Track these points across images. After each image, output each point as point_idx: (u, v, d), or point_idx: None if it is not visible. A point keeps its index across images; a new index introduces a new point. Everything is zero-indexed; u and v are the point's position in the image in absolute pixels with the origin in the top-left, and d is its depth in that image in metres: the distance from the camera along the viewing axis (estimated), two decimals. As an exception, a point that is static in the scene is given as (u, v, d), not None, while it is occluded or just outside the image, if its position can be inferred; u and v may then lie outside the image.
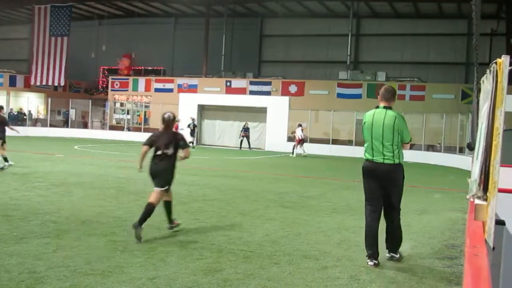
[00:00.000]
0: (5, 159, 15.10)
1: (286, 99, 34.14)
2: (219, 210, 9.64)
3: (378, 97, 6.43)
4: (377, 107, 6.39)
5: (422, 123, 28.83)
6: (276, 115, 33.43)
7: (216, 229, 7.87)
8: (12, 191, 10.70)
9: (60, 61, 40.29)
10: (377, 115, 6.27)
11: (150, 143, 7.46)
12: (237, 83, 37.49)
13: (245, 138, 32.84)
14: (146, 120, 40.68)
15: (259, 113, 34.26)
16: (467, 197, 3.48)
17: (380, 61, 38.02)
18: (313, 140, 31.69)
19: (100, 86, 46.93)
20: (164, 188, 7.34)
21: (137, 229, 6.75)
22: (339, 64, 37.64)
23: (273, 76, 38.81)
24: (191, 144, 24.35)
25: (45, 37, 40.65)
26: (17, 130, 16.87)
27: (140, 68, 44.69)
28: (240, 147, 32.65)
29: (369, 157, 6.25)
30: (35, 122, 42.68)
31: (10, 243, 6.34)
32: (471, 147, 5.73)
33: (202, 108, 36.93)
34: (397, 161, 6.16)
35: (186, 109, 36.33)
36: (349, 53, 37.55)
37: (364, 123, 6.37)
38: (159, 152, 7.37)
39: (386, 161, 6.14)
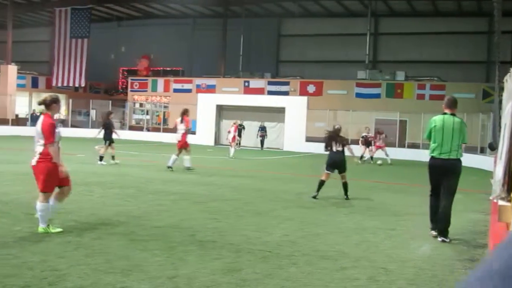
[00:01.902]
0: (101, 158, 17.50)
1: (304, 99, 34.07)
2: (237, 210, 9.66)
3: (443, 105, 7.87)
4: (444, 113, 7.76)
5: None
6: (294, 115, 33.38)
7: (234, 229, 7.89)
8: (35, 190, 10.82)
9: (81, 62, 40.70)
10: (447, 120, 7.66)
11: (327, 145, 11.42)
12: (255, 83, 37.51)
13: (262, 138, 32.96)
14: (165, 121, 40.90)
15: (277, 113, 34.24)
16: (490, 198, 3.45)
17: (399, 60, 37.72)
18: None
19: (119, 87, 47.31)
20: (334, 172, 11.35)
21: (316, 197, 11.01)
22: (358, 63, 37.44)
23: (291, 76, 38.76)
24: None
25: (65, 39, 41.10)
26: (119, 134, 19.35)
27: (159, 68, 44.94)
28: (262, 147, 32.76)
29: (438, 154, 7.62)
30: (57, 122, 43.12)
31: (33, 241, 6.44)
32: (492, 147, 5.90)
33: (220, 109, 37.02)
34: (459, 156, 7.66)
35: (204, 109, 36.49)
36: (367, 53, 37.33)
37: (434, 126, 7.70)
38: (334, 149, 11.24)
39: (452, 157, 7.56)
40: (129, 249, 6.30)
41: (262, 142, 33.04)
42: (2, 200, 9.28)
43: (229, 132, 24.65)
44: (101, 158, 17.62)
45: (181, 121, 16.78)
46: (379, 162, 23.15)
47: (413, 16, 38.00)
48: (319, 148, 29.77)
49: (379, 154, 23.78)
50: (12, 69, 38.82)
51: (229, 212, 9.44)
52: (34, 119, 40.58)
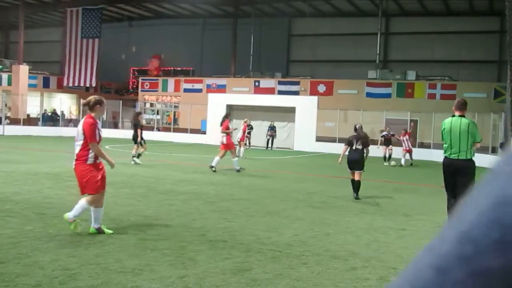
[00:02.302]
0: (138, 156, 18.12)
1: (314, 98, 34.00)
2: (247, 210, 9.67)
3: (453, 107, 8.07)
4: (453, 116, 7.97)
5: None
6: (305, 115, 33.34)
7: (244, 228, 7.90)
8: (46, 190, 10.93)
9: (92, 62, 40.92)
10: (454, 122, 7.87)
11: (348, 143, 11.73)
12: (265, 83, 37.52)
13: (271, 137, 32.92)
14: (175, 120, 41.02)
15: (288, 113, 34.20)
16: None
17: (410, 60, 37.58)
18: (342, 140, 31.46)
19: (130, 87, 47.51)
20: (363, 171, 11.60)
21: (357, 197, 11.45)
22: (368, 63, 37.34)
23: (302, 75, 38.73)
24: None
25: (77, 39, 41.35)
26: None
27: (169, 68, 45.08)
28: (267, 147, 32.70)
29: (449, 155, 7.88)
30: (68, 122, 43.44)
31: (44, 241, 6.48)
32: (504, 147, 5.85)
33: (230, 108, 37.01)
34: (469, 157, 7.81)
35: (214, 109, 36.52)
36: (378, 52, 37.22)
37: (444, 129, 7.97)
38: (354, 147, 11.59)
39: (461, 157, 7.77)
40: (139, 248, 6.32)
41: (269, 142, 33.00)
42: (13, 200, 9.34)
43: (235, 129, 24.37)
44: (138, 156, 18.28)
45: (221, 124, 17.13)
46: (393, 163, 22.94)
47: (425, 16, 37.84)
48: (329, 147, 29.85)
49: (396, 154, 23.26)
50: (23, 69, 39.10)
51: (239, 211, 9.44)
52: (45, 119, 40.95)
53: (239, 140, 23.99)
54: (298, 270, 5.73)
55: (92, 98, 7.37)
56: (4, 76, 41.66)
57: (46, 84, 44.06)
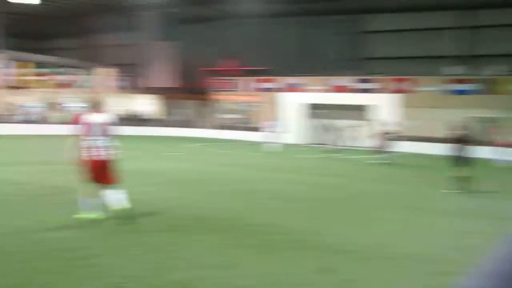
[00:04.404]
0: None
1: (395, 96, 33.24)
2: (335, 210, 9.57)
3: None
4: None
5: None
6: (385, 113, 32.65)
7: (332, 228, 7.81)
8: (135, 187, 11.32)
9: (171, 63, 42.17)
10: None
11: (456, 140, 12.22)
12: (343, 81, 37.12)
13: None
14: (252, 120, 41.39)
15: (367, 111, 33.67)
16: None
17: (497, 54, 35.81)
18: (424, 139, 30.50)
19: (208, 87, 48.37)
20: None
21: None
22: (451, 58, 36.00)
23: (380, 73, 37.95)
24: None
25: (156, 42, 42.82)
26: None
27: (245, 68, 45.51)
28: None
29: None
30: (149, 122, 44.92)
31: (135, 235, 6.71)
32: None
33: (306, 107, 36.95)
34: None
35: (289, 108, 36.59)
36: (462, 47, 35.80)
37: None
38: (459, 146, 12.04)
39: None
40: (224, 245, 6.40)
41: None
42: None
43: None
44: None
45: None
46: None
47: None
48: (418, 147, 28.80)
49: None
50: (108, 72, 40.82)
51: (326, 212, 9.36)
52: (128, 119, 42.50)
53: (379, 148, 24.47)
54: (388, 272, 5.62)
55: (99, 97, 8.20)
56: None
57: (132, 86, 45.81)
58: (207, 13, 45.49)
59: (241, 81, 42.74)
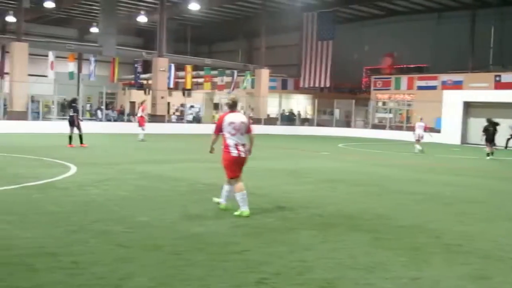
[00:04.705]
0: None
1: None
2: (486, 214, 9.02)
3: None
4: None
5: None
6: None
7: (483, 233, 7.38)
8: (283, 185, 11.64)
9: (326, 63, 42.34)
10: None
11: None
12: (508, 77, 34.43)
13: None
14: (408, 119, 40.09)
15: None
16: None
17: None
18: None
19: (363, 86, 47.81)
20: None
21: None
22: None
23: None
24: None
25: (312, 42, 43.22)
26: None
27: (402, 66, 44.19)
28: (506, 147, 29.95)
29: None
30: (304, 121, 45.61)
31: (282, 232, 6.93)
32: None
33: (467, 106, 34.88)
34: None
35: (450, 106, 34.81)
36: None
37: None
38: None
39: None
40: (372, 246, 6.35)
41: (509, 141, 30.21)
42: (255, 193, 10.11)
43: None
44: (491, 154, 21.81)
45: None
46: None
47: None
48: None
49: None
50: (265, 73, 42.17)
51: (478, 215, 8.86)
52: (283, 118, 43.58)
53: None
54: (548, 284, 5.17)
55: (236, 97, 8.47)
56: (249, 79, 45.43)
57: (284, 86, 46.90)
58: (365, 11, 45.06)
59: (398, 79, 41.63)
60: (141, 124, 25.21)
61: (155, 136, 28.17)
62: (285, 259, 5.64)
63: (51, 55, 32.64)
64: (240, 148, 7.96)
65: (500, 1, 37.75)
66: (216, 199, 8.43)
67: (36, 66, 37.24)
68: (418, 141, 23.88)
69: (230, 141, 7.95)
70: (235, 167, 7.98)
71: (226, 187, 8.17)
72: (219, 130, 8.04)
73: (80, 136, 20.04)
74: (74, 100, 21.44)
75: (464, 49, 38.36)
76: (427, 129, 25.21)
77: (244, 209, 7.80)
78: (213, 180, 10.82)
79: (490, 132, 22.78)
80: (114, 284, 4.61)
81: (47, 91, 34.97)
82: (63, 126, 22.95)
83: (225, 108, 8.48)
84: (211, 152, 8.29)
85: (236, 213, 7.83)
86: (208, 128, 30.65)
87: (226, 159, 7.99)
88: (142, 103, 26.44)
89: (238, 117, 8.08)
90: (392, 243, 6.54)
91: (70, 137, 19.88)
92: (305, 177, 13.31)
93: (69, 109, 21.31)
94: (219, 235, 6.63)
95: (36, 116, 32.77)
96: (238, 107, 8.54)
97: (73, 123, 20.05)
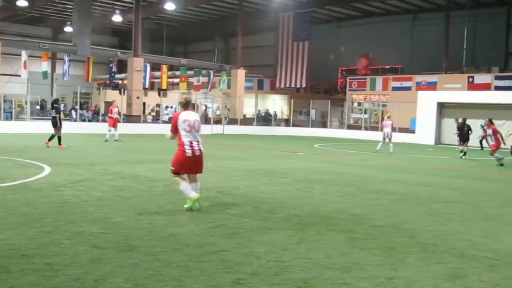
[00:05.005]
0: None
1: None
2: (461, 213, 9.15)
3: None
4: None
5: None
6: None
7: (457, 233, 7.48)
8: (260, 185, 11.65)
9: (302, 64, 42.51)
10: None
11: None
12: (480, 78, 35.05)
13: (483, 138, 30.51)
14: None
15: (507, 110, 31.45)
16: None
17: None
18: None
19: (339, 87, 48.16)
20: None
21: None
22: None
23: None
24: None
25: (288, 42, 43.34)
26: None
27: (377, 67, 44.64)
28: (482, 147, 30.40)
29: None
30: (280, 122, 45.73)
31: (260, 233, 6.92)
32: None
33: (441, 106, 35.37)
34: None
35: (424, 107, 35.26)
36: None
37: None
38: None
39: None
40: (348, 246, 6.39)
41: (482, 142, 30.67)
42: (232, 194, 10.11)
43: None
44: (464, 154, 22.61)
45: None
46: None
47: None
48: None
49: None
50: (241, 73, 42.16)
51: (452, 215, 8.98)
52: (259, 119, 43.60)
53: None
54: (521, 282, 5.26)
55: (189, 97, 8.89)
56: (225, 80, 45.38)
57: (260, 87, 46.96)
58: (341, 12, 45.37)
59: (373, 80, 42.01)
60: (110, 125, 24.94)
61: (131, 136, 27.92)
62: (262, 259, 5.63)
63: (24, 54, 32.16)
64: (195, 145, 8.11)
65: (473, 3, 38.38)
66: (186, 205, 8.28)
67: (9, 65, 36.67)
68: (384, 139, 23.56)
69: (185, 139, 8.09)
70: (186, 165, 8.15)
71: (181, 186, 8.23)
72: (175, 128, 8.17)
73: (59, 137, 19.93)
74: (56, 101, 21.27)
75: (438, 50, 38.90)
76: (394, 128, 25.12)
77: (191, 196, 8.05)
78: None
79: (464, 131, 23.19)
80: (89, 286, 4.55)
81: (20, 90, 34.44)
82: (36, 126, 22.66)
83: (179, 107, 8.55)
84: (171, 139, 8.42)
85: (186, 205, 8.15)
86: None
87: (178, 158, 8.17)
88: (111, 103, 26.11)
89: (192, 115, 8.25)
90: (368, 243, 6.58)
91: (59, 138, 19.86)
92: (281, 177, 13.33)
93: (52, 110, 21.15)
94: (196, 236, 6.59)
95: (9, 116, 32.24)
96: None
97: (56, 124, 19.99)
